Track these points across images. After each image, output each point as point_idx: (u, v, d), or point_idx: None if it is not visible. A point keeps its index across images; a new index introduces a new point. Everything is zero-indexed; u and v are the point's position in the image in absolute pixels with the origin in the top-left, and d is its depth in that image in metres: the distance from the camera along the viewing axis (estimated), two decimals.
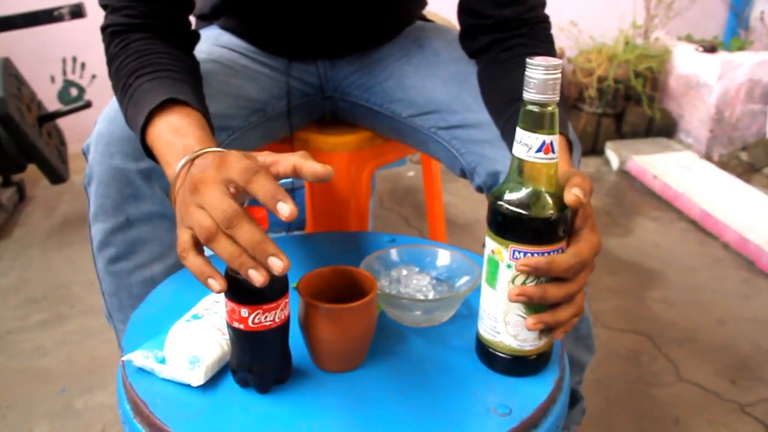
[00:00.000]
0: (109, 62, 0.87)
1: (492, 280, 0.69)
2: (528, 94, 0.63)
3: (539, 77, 0.62)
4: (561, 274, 0.65)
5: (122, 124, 0.87)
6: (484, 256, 0.70)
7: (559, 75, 0.63)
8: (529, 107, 0.63)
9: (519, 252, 0.65)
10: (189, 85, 0.82)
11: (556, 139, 0.64)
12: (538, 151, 0.63)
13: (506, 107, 0.89)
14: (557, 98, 0.63)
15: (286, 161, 0.65)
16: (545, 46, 0.96)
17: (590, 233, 0.67)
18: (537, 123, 0.63)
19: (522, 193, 0.65)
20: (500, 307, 0.69)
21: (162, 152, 0.74)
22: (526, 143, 0.64)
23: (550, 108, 0.63)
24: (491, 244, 0.68)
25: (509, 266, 0.66)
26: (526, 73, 0.63)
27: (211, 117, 0.93)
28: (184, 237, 0.62)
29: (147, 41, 0.85)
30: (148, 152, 0.78)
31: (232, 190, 0.61)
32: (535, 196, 0.65)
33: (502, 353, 0.71)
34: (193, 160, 0.67)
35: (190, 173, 0.65)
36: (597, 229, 0.68)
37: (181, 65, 0.85)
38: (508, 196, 0.65)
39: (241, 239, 0.59)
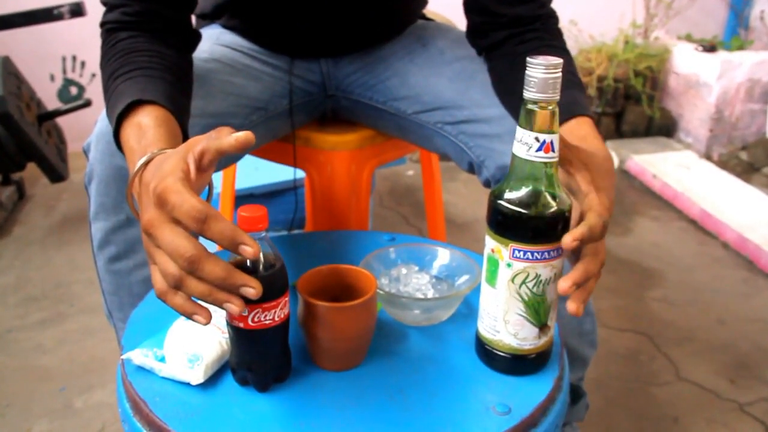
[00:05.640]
0: (100, 62, 0.87)
1: (492, 279, 0.69)
2: (528, 93, 0.63)
3: (540, 76, 0.62)
4: (600, 236, 0.66)
5: None
6: (484, 255, 0.70)
7: (560, 74, 0.63)
8: (530, 106, 0.63)
9: (519, 251, 0.65)
10: (164, 82, 0.81)
11: (556, 138, 0.64)
12: (539, 150, 0.63)
13: None
14: (557, 97, 0.63)
15: (209, 150, 0.62)
16: (559, 39, 0.97)
17: (597, 196, 0.68)
18: (537, 122, 0.63)
19: (522, 192, 0.65)
20: (500, 306, 0.69)
21: (127, 158, 0.73)
22: (527, 142, 0.64)
23: (550, 107, 0.63)
24: (491, 243, 0.68)
25: (509, 265, 0.66)
26: (526, 72, 0.63)
27: (209, 114, 0.93)
28: (157, 279, 0.61)
29: (131, 40, 0.85)
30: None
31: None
32: (535, 195, 0.65)
33: (501, 352, 0.71)
34: (146, 164, 0.66)
35: (142, 218, 0.62)
36: (603, 193, 0.70)
37: (161, 62, 0.84)
38: (508, 194, 0.65)
39: (208, 278, 0.58)
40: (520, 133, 0.64)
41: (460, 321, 0.81)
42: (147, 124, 0.73)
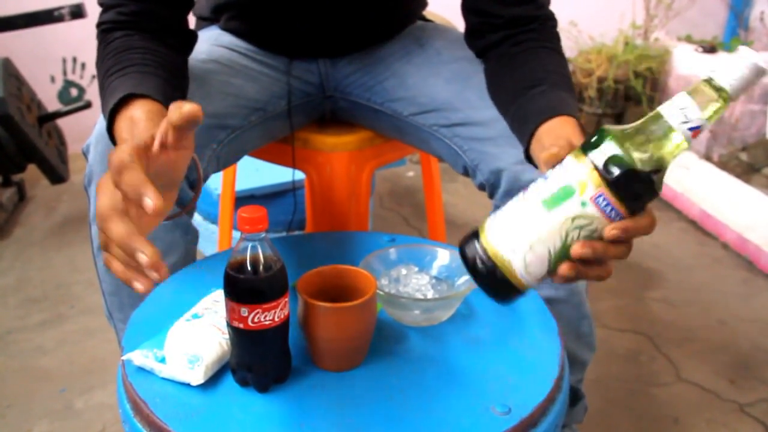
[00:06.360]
0: (96, 62, 0.88)
1: (552, 203, 0.63)
2: (727, 80, 0.59)
3: (747, 76, 0.58)
4: (638, 234, 0.64)
5: None
6: (556, 175, 0.64)
7: (757, 83, 0.59)
8: (715, 85, 0.59)
9: (605, 201, 0.62)
10: (157, 78, 0.81)
11: (706, 128, 0.61)
12: (691, 129, 0.60)
13: (517, 95, 0.89)
14: (735, 100, 0.59)
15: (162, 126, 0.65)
16: (555, 42, 0.97)
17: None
18: (713, 111, 0.60)
19: (647, 154, 0.61)
20: (538, 232, 0.64)
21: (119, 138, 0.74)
22: (688, 116, 0.60)
23: (725, 102, 0.59)
24: (580, 173, 0.62)
25: (584, 204, 0.62)
26: (738, 62, 0.58)
27: (208, 115, 0.94)
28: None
29: (125, 39, 0.85)
30: None
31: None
32: (660, 167, 0.61)
33: (495, 267, 0.66)
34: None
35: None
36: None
37: (154, 59, 0.84)
38: (635, 148, 0.61)
39: (111, 235, 0.60)
40: (687, 102, 0.60)
41: (460, 321, 0.81)
42: (139, 117, 0.73)
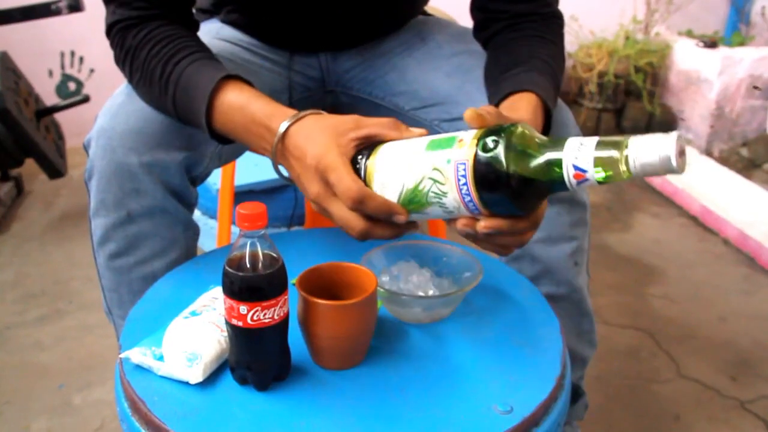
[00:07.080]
0: (132, 54, 0.86)
1: (432, 146, 0.68)
2: (637, 161, 0.56)
3: (656, 166, 0.56)
4: (499, 232, 0.67)
5: (125, 119, 0.87)
6: (448, 134, 0.69)
7: (663, 174, 0.57)
8: (629, 156, 0.56)
9: (463, 172, 0.64)
10: (222, 64, 0.85)
11: (592, 185, 0.60)
12: (576, 169, 0.59)
13: (498, 76, 0.90)
14: (636, 178, 0.58)
15: (381, 135, 0.74)
16: (554, 35, 0.97)
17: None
18: (608, 169, 0.58)
19: (535, 161, 0.61)
20: (407, 163, 0.69)
21: (241, 123, 0.79)
22: (584, 163, 0.58)
23: (625, 177, 0.58)
24: (467, 137, 0.65)
25: (448, 161, 0.65)
26: (660, 146, 0.55)
27: None
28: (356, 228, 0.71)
29: (168, 27, 0.86)
30: (212, 131, 0.82)
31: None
32: (532, 185, 0.62)
33: (363, 178, 0.72)
34: (291, 124, 0.75)
35: (308, 191, 0.73)
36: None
37: (207, 48, 0.87)
38: (520, 153, 0.62)
39: (374, 208, 0.70)
40: (589, 148, 0.58)
41: (461, 319, 0.80)
42: (249, 95, 0.79)
